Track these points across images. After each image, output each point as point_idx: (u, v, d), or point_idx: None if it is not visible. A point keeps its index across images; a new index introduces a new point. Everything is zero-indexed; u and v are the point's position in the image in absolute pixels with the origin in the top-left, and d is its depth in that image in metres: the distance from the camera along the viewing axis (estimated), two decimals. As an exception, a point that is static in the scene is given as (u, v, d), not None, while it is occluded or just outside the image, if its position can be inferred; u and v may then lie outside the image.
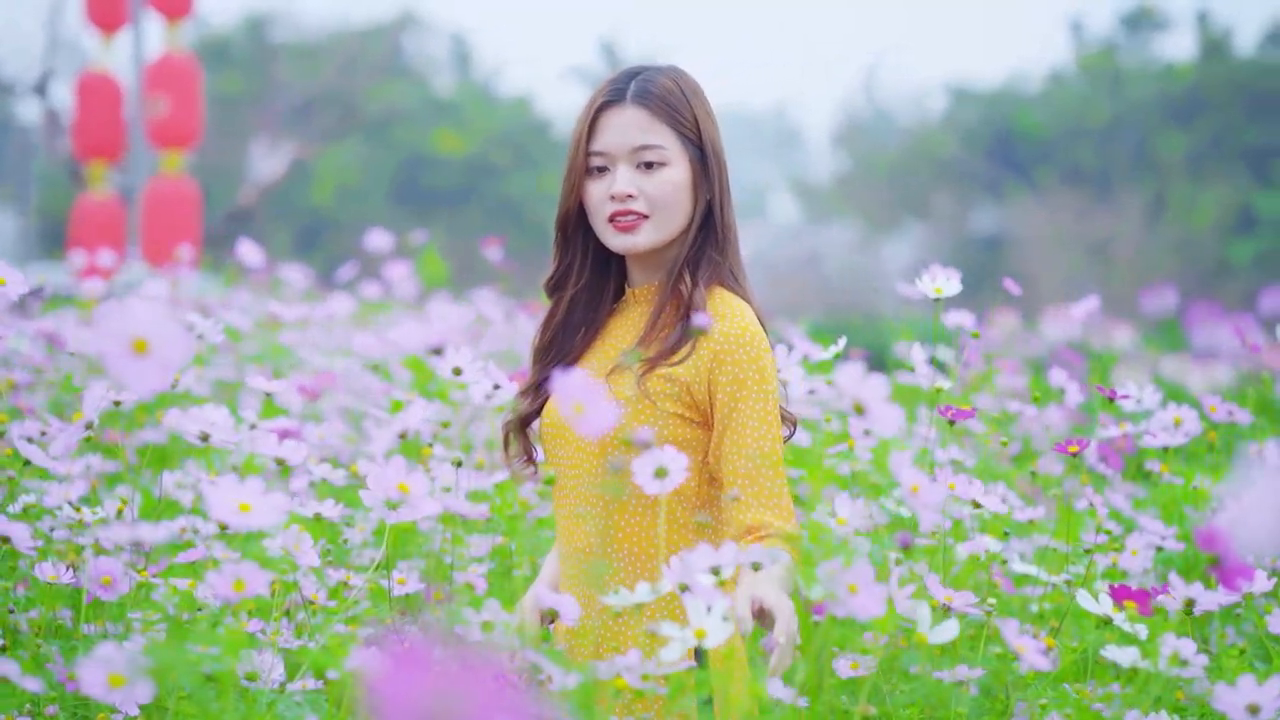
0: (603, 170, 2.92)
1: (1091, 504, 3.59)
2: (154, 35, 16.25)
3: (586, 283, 2.99)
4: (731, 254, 2.95)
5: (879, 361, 7.09)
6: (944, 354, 5.42)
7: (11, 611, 3.12)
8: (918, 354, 3.53)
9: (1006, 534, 3.67)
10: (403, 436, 2.80)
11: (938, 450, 3.72)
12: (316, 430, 4.25)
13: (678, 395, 2.80)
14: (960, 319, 4.44)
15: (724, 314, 2.84)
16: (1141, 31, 36.13)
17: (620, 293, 3.01)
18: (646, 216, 2.89)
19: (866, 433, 3.61)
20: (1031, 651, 2.30)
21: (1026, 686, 2.91)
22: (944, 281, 3.48)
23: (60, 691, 2.73)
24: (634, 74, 2.95)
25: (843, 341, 3.55)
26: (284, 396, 4.48)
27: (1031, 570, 3.58)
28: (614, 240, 2.92)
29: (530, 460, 3.01)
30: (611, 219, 2.90)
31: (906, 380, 5.20)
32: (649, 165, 2.89)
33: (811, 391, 3.80)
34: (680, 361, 2.82)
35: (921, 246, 37.00)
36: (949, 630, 2.41)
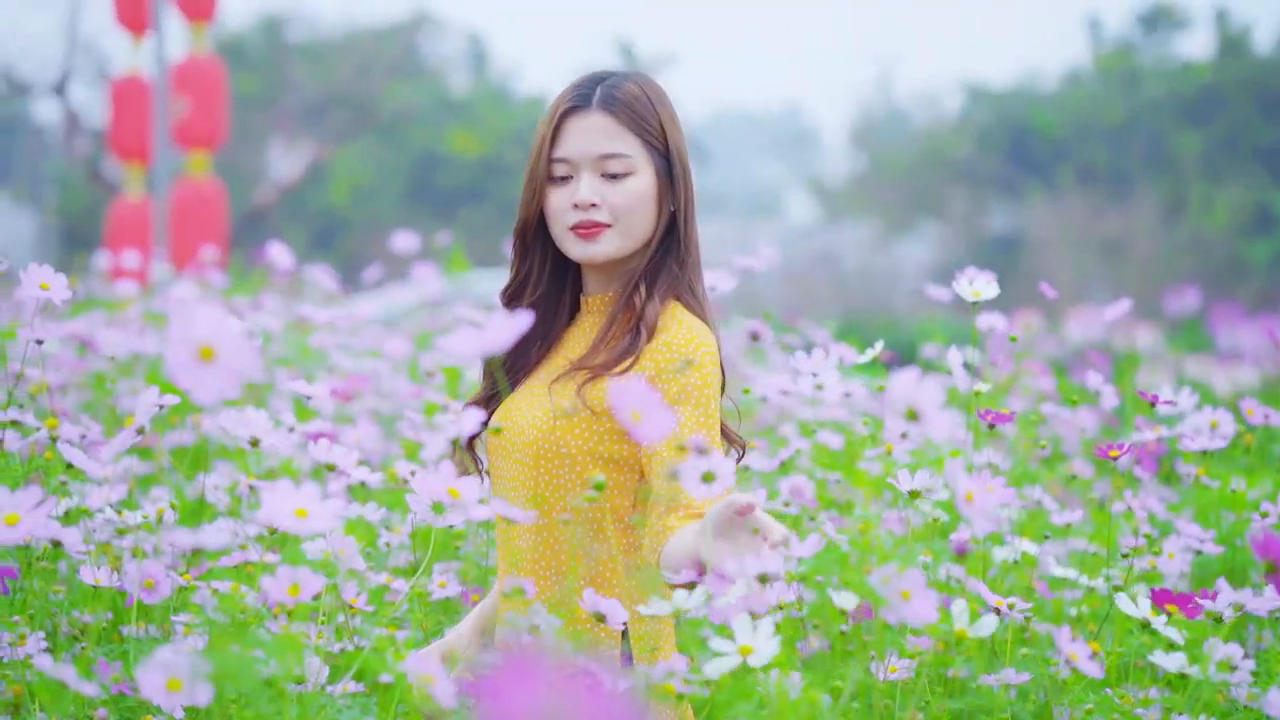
0: (566, 178, 2.83)
1: (1130, 507, 3.58)
2: (175, 37, 16.29)
3: (544, 293, 2.90)
4: (691, 267, 2.87)
5: (905, 363, 7.08)
6: (971, 356, 5.41)
7: (53, 614, 3.13)
8: (954, 357, 3.53)
9: (1044, 537, 3.67)
10: (454, 442, 2.80)
11: (973, 454, 3.72)
12: (352, 433, 4.25)
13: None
14: (992, 321, 4.45)
15: (670, 327, 2.76)
16: (1159, 30, 36.06)
17: (578, 304, 2.92)
18: (609, 226, 2.81)
19: (904, 436, 3.60)
20: (1082, 658, 2.31)
21: (1065, 691, 2.91)
22: (982, 284, 3.48)
23: (108, 693, 2.74)
24: (599, 79, 2.86)
25: (880, 345, 3.55)
26: (317, 399, 4.49)
27: (1069, 574, 3.58)
28: (574, 249, 2.83)
29: (478, 473, 2.91)
30: (574, 228, 2.82)
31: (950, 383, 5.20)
32: (614, 175, 2.81)
33: (847, 395, 3.79)
34: (623, 372, 2.73)
35: (937, 246, 36.97)
36: (988, 625, 2.41)
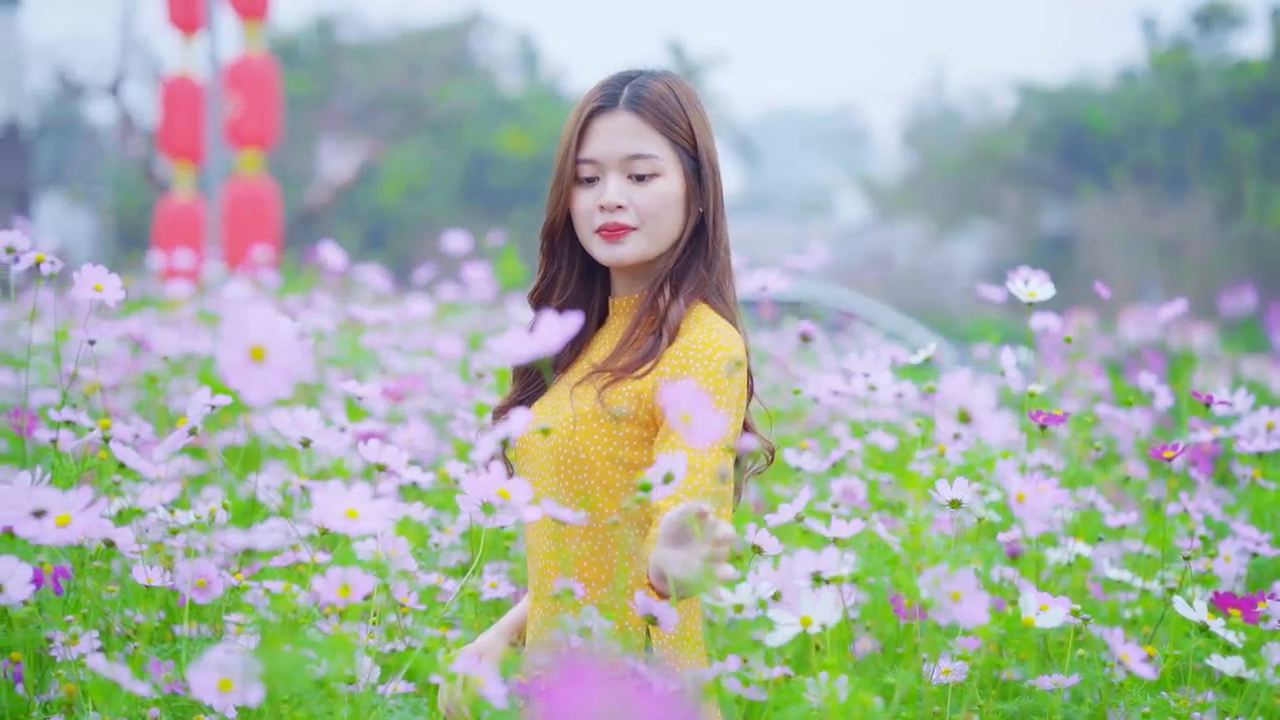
0: (592, 180, 2.79)
1: (1185, 509, 3.56)
2: (230, 37, 16.38)
3: (572, 294, 2.87)
4: (720, 269, 2.82)
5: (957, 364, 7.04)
6: (1024, 356, 5.39)
7: (106, 614, 3.14)
8: (1008, 358, 3.50)
9: (1098, 539, 3.65)
10: (504, 444, 2.80)
11: (1026, 454, 3.70)
12: (404, 433, 4.26)
13: (637, 414, 2.68)
14: (1045, 321, 4.42)
15: (691, 329, 2.71)
16: (1214, 28, 35.82)
17: (606, 306, 2.88)
18: (635, 228, 2.77)
19: (956, 437, 3.59)
20: (1135, 660, 2.29)
21: (1120, 694, 2.88)
22: (1037, 285, 3.47)
23: (159, 692, 2.75)
24: (627, 79, 2.82)
25: (933, 346, 3.54)
26: (369, 399, 4.50)
27: (1124, 576, 3.55)
28: (600, 251, 2.79)
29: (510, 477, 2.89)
30: (600, 230, 2.78)
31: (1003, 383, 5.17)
32: (641, 177, 2.77)
33: (900, 395, 3.77)
34: (643, 375, 2.69)
35: (990, 246, 36.84)
36: (1055, 617, 2.40)
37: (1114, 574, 3.56)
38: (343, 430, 3.41)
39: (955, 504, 2.84)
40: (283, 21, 35.89)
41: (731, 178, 56.90)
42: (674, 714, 1.17)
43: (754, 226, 41.27)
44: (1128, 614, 3.65)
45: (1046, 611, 2.34)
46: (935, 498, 2.87)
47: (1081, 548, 3.48)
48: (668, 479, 2.22)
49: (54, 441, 3.22)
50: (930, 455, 3.60)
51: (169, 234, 15.14)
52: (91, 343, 3.46)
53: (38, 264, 3.19)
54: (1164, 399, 4.07)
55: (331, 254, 7.29)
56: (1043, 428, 3.34)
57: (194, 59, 15.98)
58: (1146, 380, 4.07)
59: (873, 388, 3.47)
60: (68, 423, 3.44)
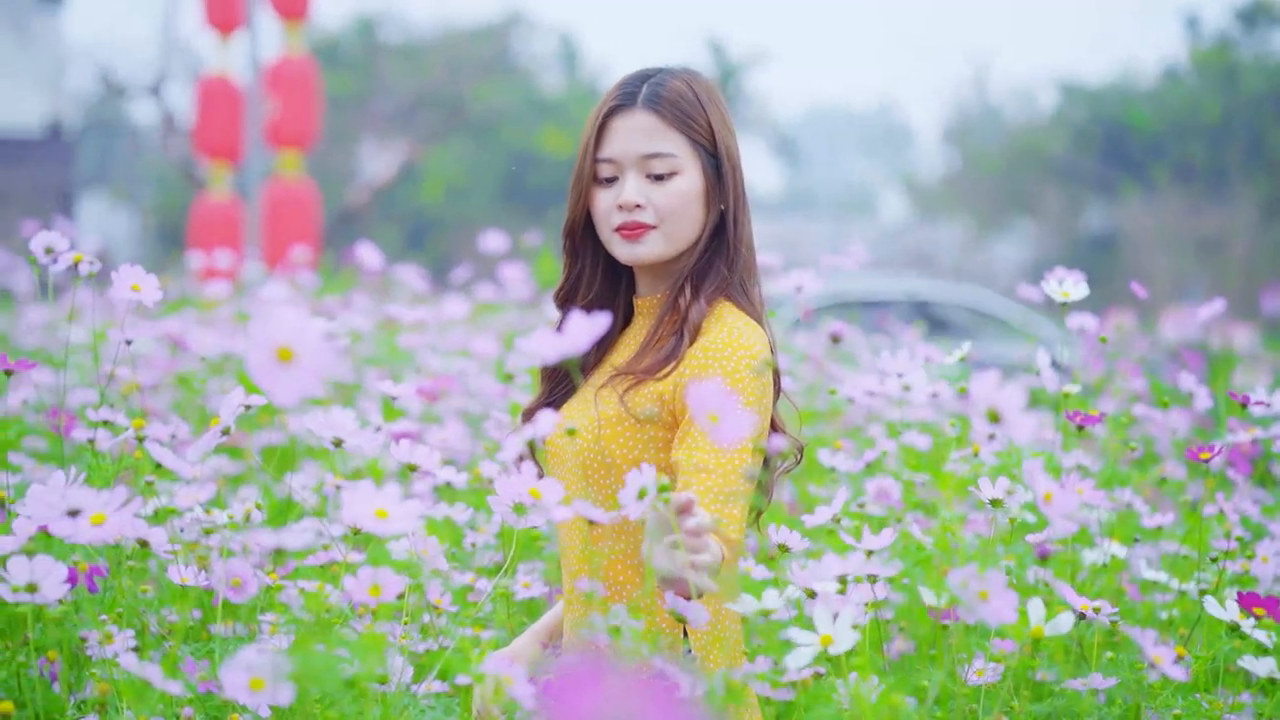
0: (612, 179, 2.78)
1: (1222, 510, 3.54)
2: (269, 37, 16.44)
3: (597, 294, 2.86)
4: (743, 267, 2.80)
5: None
6: (1064, 356, 5.37)
7: (144, 613, 3.16)
8: (1042, 358, 3.49)
9: (1134, 540, 3.63)
10: (532, 445, 2.80)
11: (1062, 455, 3.69)
12: (438, 433, 4.26)
13: (660, 416, 2.67)
14: (1082, 321, 4.41)
15: (713, 328, 2.70)
16: (1258, 26, 35.62)
17: (632, 306, 2.87)
18: (654, 227, 2.75)
19: (991, 437, 3.58)
20: (1167, 662, 2.28)
21: (1153, 695, 2.87)
22: (1071, 285, 3.45)
23: (194, 692, 2.76)
24: (646, 76, 2.80)
25: (967, 345, 3.53)
26: (404, 399, 4.52)
27: (1160, 577, 3.54)
28: (620, 250, 2.78)
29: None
30: (619, 229, 2.77)
31: (1029, 383, 5.18)
32: (659, 176, 2.75)
33: (934, 395, 3.76)
34: (665, 376, 2.68)
35: (1031, 245, 36.71)
36: (1065, 623, 2.39)
37: (1150, 575, 3.54)
38: (377, 430, 3.42)
39: (997, 503, 2.83)
40: (324, 22, 36.03)
41: (772, 177, 56.82)
42: (685, 716, 1.17)
43: (794, 226, 41.23)
44: (1164, 615, 3.64)
45: (1063, 615, 2.33)
46: (972, 498, 2.87)
47: (1117, 549, 3.46)
48: (642, 494, 2.20)
49: (91, 441, 3.24)
50: (965, 455, 3.59)
51: (204, 233, 15.20)
52: (129, 343, 3.48)
53: (76, 264, 3.21)
54: (1203, 399, 4.05)
55: (369, 254, 7.31)
56: (1079, 428, 3.32)
57: (232, 59, 16.04)
58: (1185, 380, 4.05)
59: (907, 388, 3.47)
60: (105, 422, 3.46)
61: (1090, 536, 3.66)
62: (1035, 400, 5.47)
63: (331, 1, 50.58)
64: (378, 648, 2.12)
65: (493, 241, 7.90)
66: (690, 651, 2.66)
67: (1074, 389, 3.40)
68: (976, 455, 3.54)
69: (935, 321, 12.20)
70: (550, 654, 2.88)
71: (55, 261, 3.22)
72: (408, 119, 33.30)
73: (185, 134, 26.30)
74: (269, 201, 15.50)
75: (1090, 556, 3.56)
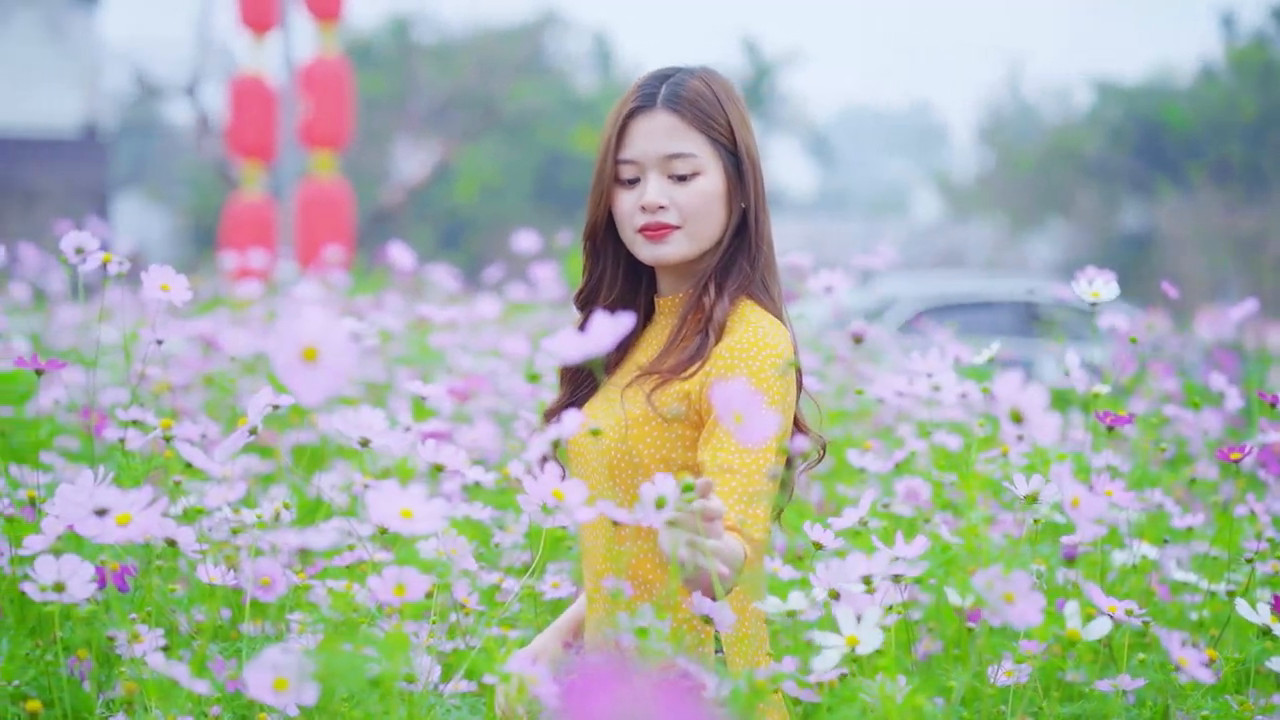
0: (633, 180, 2.78)
1: (1252, 510, 3.52)
2: (303, 37, 16.48)
3: (618, 295, 2.86)
4: (764, 265, 2.80)
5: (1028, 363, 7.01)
6: (1096, 356, 5.36)
7: (173, 612, 3.17)
8: (1072, 358, 3.48)
9: (1164, 541, 3.62)
10: (556, 444, 2.80)
11: (1092, 455, 3.68)
12: (468, 433, 4.27)
13: (686, 415, 2.67)
14: (1113, 321, 4.39)
15: (738, 328, 2.70)
16: (1294, 24, 35.44)
17: (653, 305, 2.87)
18: (677, 227, 2.75)
19: (1020, 438, 3.57)
20: (1194, 664, 2.27)
21: (1183, 697, 2.86)
22: (1101, 285, 3.44)
23: (222, 691, 2.77)
24: (664, 77, 2.80)
25: (996, 345, 3.52)
26: (435, 399, 4.52)
27: (1190, 578, 3.53)
28: (644, 251, 2.78)
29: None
30: (642, 230, 2.77)
31: (1060, 383, 5.15)
32: (681, 176, 2.75)
33: (964, 395, 3.75)
34: (691, 375, 2.68)
35: (1066, 245, 36.60)
36: (1102, 627, 2.38)
37: (1180, 576, 3.53)
38: (407, 430, 3.43)
39: (1030, 500, 2.82)
40: (359, 23, 36.11)
41: (806, 177, 56.73)
42: (705, 717, 1.17)
43: (827, 226, 41.18)
44: (1195, 616, 3.62)
45: (1098, 620, 2.32)
46: (1002, 498, 2.86)
47: (1147, 549, 3.45)
48: (660, 504, 2.21)
49: (121, 440, 3.25)
50: (993, 456, 3.58)
51: (237, 233, 15.25)
52: (159, 342, 3.50)
53: (105, 264, 3.23)
54: (1234, 400, 4.04)
55: (401, 254, 7.33)
56: (1109, 429, 3.31)
57: (266, 59, 16.08)
58: (1216, 381, 4.04)
59: (936, 388, 3.46)
60: (135, 422, 3.47)
61: (1120, 537, 3.64)
62: (1061, 401, 5.46)
63: (366, 2, 50.66)
64: (402, 647, 2.13)
65: (525, 241, 7.92)
66: (719, 651, 2.66)
67: (1104, 389, 3.39)
68: (1005, 456, 3.54)
69: (1042, 322, 12.13)
70: (572, 652, 2.88)
71: (85, 261, 3.23)
72: (442, 119, 33.36)
73: (219, 134, 26.40)
74: (302, 201, 15.54)
75: (1120, 557, 3.55)
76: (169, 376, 4.73)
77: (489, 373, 5.87)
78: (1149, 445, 3.99)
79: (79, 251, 3.23)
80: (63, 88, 34.06)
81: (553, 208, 33.63)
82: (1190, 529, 3.78)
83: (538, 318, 7.65)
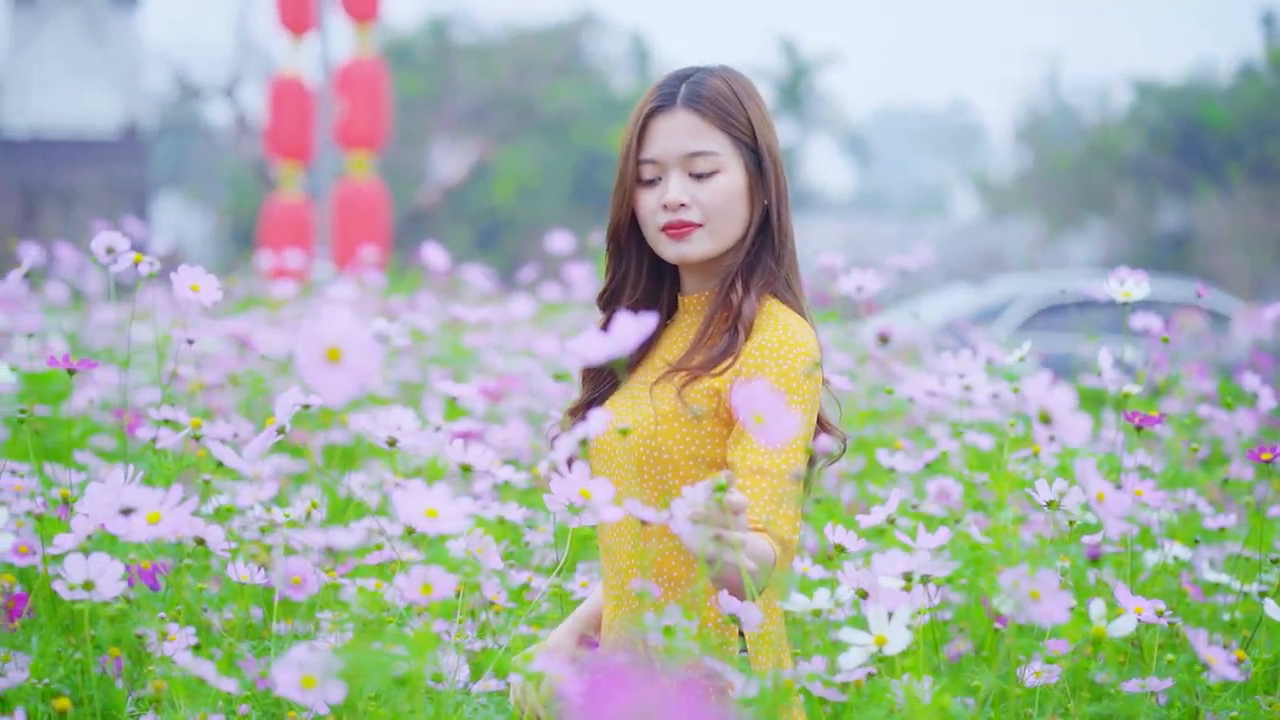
0: (655, 180, 2.80)
1: (1284, 511, 3.51)
2: (341, 38, 16.54)
3: (642, 294, 2.87)
4: (788, 262, 2.81)
5: (1064, 364, 6.98)
6: (1131, 356, 5.34)
7: (205, 610, 3.18)
8: (1104, 358, 3.48)
9: (1196, 541, 3.61)
10: (583, 443, 2.81)
11: (1125, 455, 3.67)
12: (500, 433, 4.28)
13: (716, 411, 2.68)
14: (1147, 321, 4.38)
15: (766, 326, 2.71)
16: (1335, 23, 35.25)
17: (675, 303, 2.88)
18: (700, 225, 2.77)
19: (1052, 438, 3.56)
20: (1222, 662, 2.26)
21: (1214, 697, 2.85)
22: (1132, 284, 3.44)
23: (252, 690, 2.78)
24: (684, 77, 2.81)
25: (1028, 345, 3.51)
26: (467, 399, 4.53)
27: (1222, 578, 3.51)
28: (667, 250, 2.79)
29: None
30: (665, 229, 2.78)
31: (1094, 383, 5.14)
32: (702, 175, 2.76)
33: (995, 395, 3.75)
34: (722, 372, 2.69)
35: (1105, 245, 36.46)
36: (1126, 625, 2.38)
37: (1213, 577, 3.52)
38: (437, 430, 3.44)
39: (1053, 505, 2.82)
40: (397, 23, 36.20)
41: (843, 177, 56.65)
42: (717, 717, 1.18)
43: (865, 226, 41.10)
44: (1226, 617, 3.61)
45: (1123, 618, 2.32)
46: (1032, 498, 2.86)
47: (1179, 550, 3.44)
48: (720, 488, 2.22)
49: (153, 439, 3.27)
50: (1025, 456, 3.58)
51: (275, 233, 15.31)
52: (190, 342, 3.52)
53: (136, 264, 3.25)
54: (1268, 400, 4.02)
55: (435, 255, 7.34)
56: (1138, 429, 3.30)
57: (304, 60, 16.14)
58: (1249, 381, 4.02)
59: (968, 388, 3.45)
60: (167, 421, 3.49)
61: (1153, 538, 3.64)
62: (1098, 400, 5.44)
63: (404, 2, 50.82)
64: (429, 646, 2.14)
65: (559, 242, 7.93)
66: (744, 651, 2.66)
67: (1135, 389, 3.38)
68: (1037, 456, 3.53)
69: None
70: (588, 649, 2.89)
71: (115, 262, 3.25)
72: (479, 119, 33.43)
73: (258, 135, 26.51)
74: (339, 202, 15.59)
75: (1153, 558, 3.54)
76: (203, 376, 4.75)
77: (522, 373, 5.88)
78: (1179, 445, 3.98)
79: (110, 251, 3.25)
80: (103, 88, 34.24)
81: (590, 208, 33.63)
82: (1223, 529, 3.77)
83: (571, 318, 7.66)
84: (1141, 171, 35.30)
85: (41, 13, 34.12)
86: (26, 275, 3.54)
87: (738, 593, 2.42)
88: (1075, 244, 37.91)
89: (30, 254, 3.56)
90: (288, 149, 16.10)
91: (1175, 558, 3.41)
